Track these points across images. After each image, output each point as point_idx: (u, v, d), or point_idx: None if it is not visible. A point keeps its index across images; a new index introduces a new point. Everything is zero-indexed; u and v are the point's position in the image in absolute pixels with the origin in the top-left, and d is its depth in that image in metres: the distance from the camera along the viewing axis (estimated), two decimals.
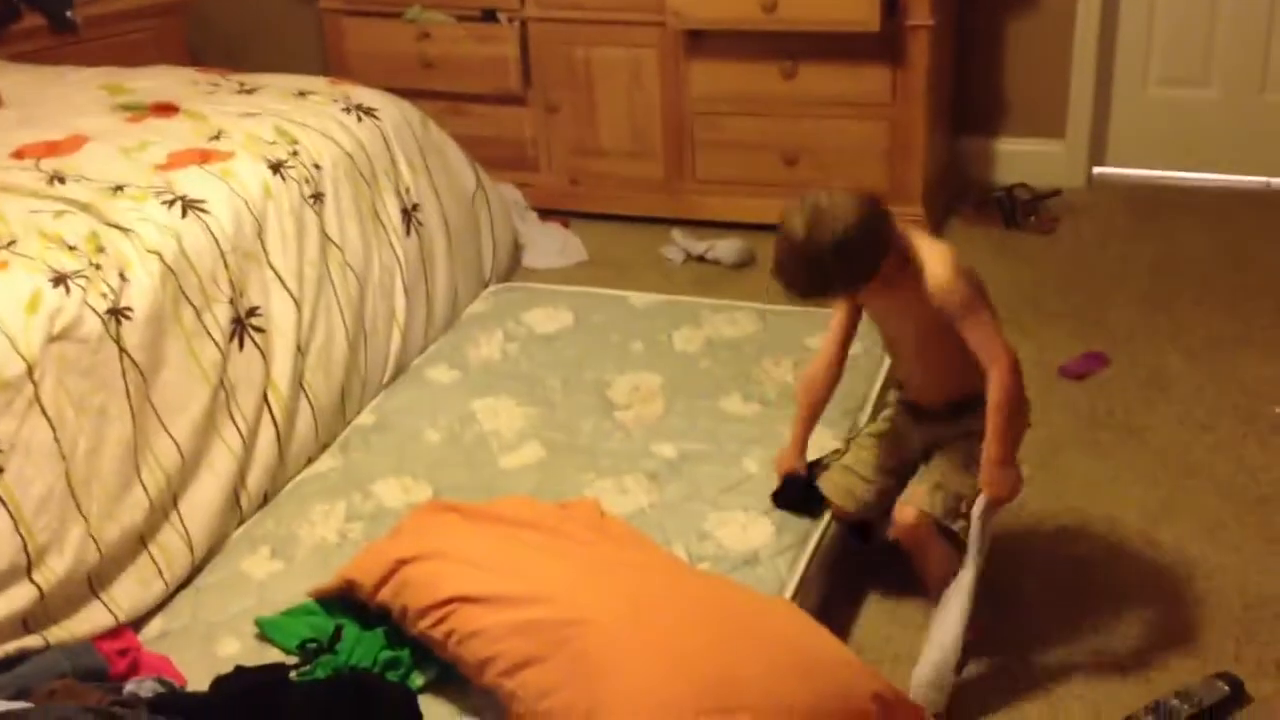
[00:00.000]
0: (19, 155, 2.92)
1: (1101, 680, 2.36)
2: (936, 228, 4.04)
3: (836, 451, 2.55)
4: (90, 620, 2.32)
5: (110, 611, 2.35)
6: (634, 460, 2.68)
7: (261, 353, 2.73)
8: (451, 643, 2.10)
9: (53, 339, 2.32)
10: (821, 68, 3.94)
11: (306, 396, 2.84)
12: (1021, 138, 4.44)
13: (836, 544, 2.55)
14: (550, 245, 4.06)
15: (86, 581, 2.33)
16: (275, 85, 3.39)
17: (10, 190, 2.72)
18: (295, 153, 3.00)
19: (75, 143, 2.97)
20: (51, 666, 2.17)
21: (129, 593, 2.39)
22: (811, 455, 2.54)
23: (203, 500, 2.55)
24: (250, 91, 3.34)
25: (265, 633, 2.29)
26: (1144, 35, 4.30)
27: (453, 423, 2.86)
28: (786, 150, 4.04)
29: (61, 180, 2.77)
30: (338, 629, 2.24)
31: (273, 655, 2.24)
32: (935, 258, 2.21)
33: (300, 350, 2.83)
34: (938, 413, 2.40)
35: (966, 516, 2.28)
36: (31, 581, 2.23)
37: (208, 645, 2.29)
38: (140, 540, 2.42)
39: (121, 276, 2.48)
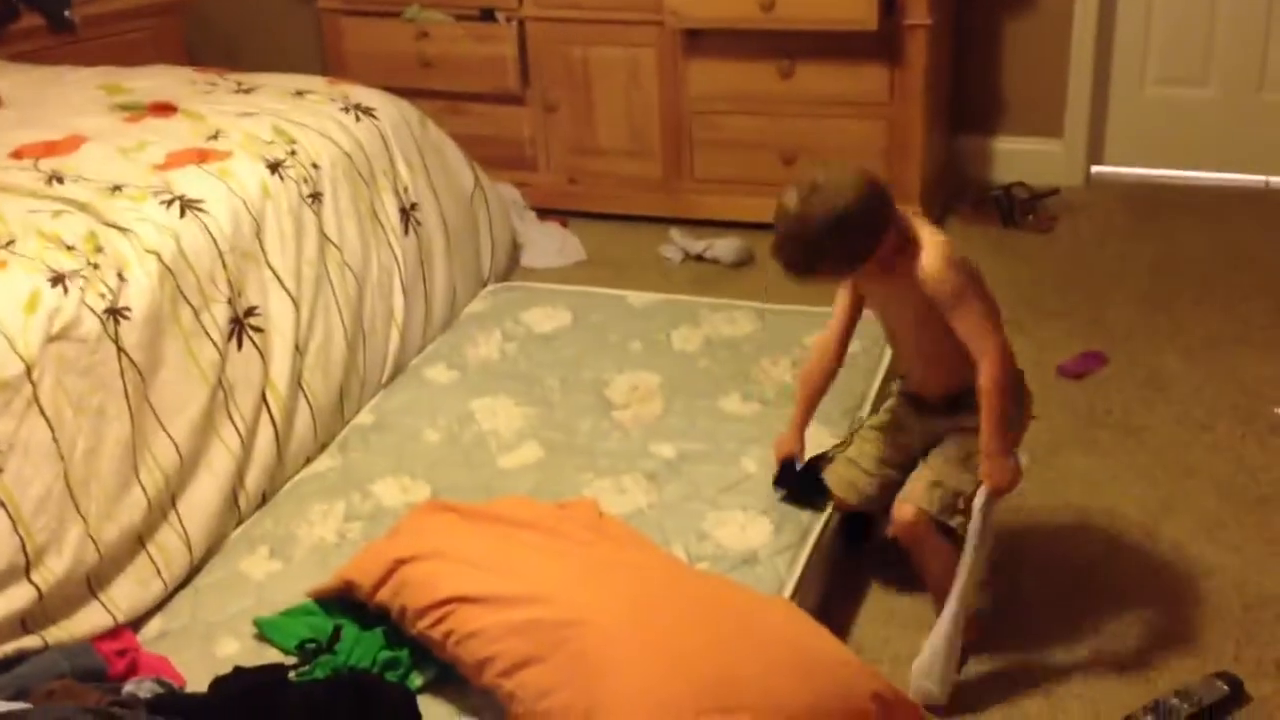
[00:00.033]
0: (17, 155, 2.92)
1: (1101, 680, 2.35)
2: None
3: (840, 444, 2.55)
4: (89, 620, 2.32)
5: (109, 612, 2.34)
6: (632, 460, 2.68)
7: (260, 352, 2.73)
8: (450, 643, 2.10)
9: (51, 339, 2.31)
10: (819, 67, 3.94)
11: (305, 396, 2.83)
12: (1019, 137, 4.44)
13: (836, 543, 2.55)
14: (549, 245, 4.05)
15: (85, 582, 2.32)
16: (273, 85, 3.39)
17: (9, 190, 2.72)
18: (293, 152, 3.00)
19: (73, 143, 2.96)
20: (50, 667, 2.17)
21: (128, 593, 2.38)
22: (811, 454, 2.54)
23: (201, 500, 2.55)
24: (248, 91, 3.34)
25: (264, 633, 2.28)
26: (1142, 34, 4.30)
27: (451, 422, 2.86)
28: (785, 149, 4.04)
29: (60, 180, 2.77)
30: (336, 629, 2.24)
31: (271, 655, 2.24)
32: (930, 247, 2.22)
33: (299, 350, 2.82)
34: (936, 405, 2.40)
35: (965, 513, 2.28)
36: (30, 582, 2.23)
37: (206, 645, 2.29)
38: (139, 540, 2.42)
39: (120, 276, 2.48)
